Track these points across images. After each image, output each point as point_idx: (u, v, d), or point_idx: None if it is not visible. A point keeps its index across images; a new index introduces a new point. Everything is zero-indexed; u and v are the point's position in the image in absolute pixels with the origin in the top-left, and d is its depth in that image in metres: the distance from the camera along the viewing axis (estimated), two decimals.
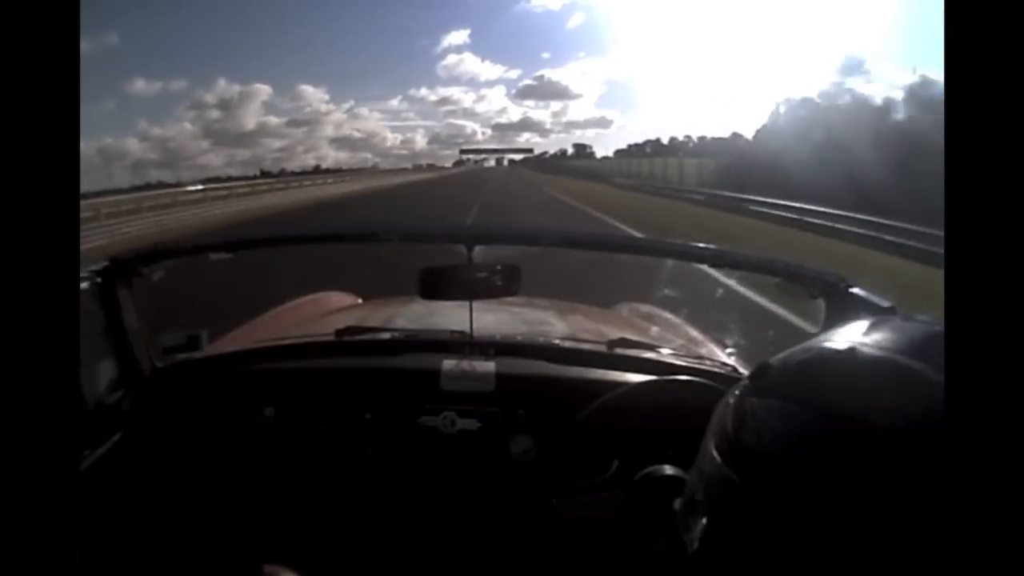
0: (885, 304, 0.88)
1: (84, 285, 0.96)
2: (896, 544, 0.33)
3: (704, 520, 0.42)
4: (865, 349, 0.39)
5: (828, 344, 0.41)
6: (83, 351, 0.95)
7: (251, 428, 1.06)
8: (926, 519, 0.32)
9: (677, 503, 0.48)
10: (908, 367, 0.36)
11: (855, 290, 0.92)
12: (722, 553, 0.41)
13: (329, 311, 1.73)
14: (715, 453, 0.42)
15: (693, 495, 0.45)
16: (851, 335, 0.41)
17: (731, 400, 0.43)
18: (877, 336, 0.40)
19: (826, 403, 0.37)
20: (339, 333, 1.16)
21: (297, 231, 1.21)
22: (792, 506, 0.36)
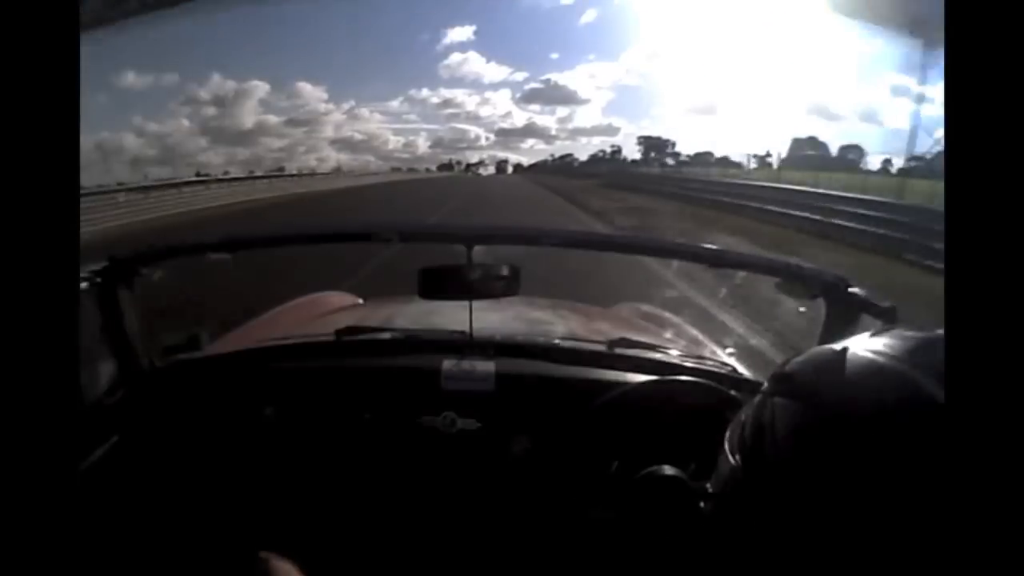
0: (885, 304, 0.88)
1: (84, 285, 0.96)
2: (890, 543, 0.33)
3: (719, 515, 0.43)
4: (879, 359, 0.39)
5: (849, 352, 0.41)
6: (83, 351, 0.95)
7: (251, 428, 1.06)
8: (920, 521, 0.32)
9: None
10: (912, 379, 0.36)
11: (855, 290, 0.92)
12: (730, 550, 0.42)
13: (329, 311, 1.72)
14: (728, 452, 0.43)
15: (710, 493, 0.46)
16: (868, 344, 0.41)
17: (751, 403, 0.44)
18: (890, 346, 0.40)
19: (834, 410, 0.38)
20: (339, 333, 1.16)
21: (297, 231, 1.21)
22: (793, 506, 0.37)
